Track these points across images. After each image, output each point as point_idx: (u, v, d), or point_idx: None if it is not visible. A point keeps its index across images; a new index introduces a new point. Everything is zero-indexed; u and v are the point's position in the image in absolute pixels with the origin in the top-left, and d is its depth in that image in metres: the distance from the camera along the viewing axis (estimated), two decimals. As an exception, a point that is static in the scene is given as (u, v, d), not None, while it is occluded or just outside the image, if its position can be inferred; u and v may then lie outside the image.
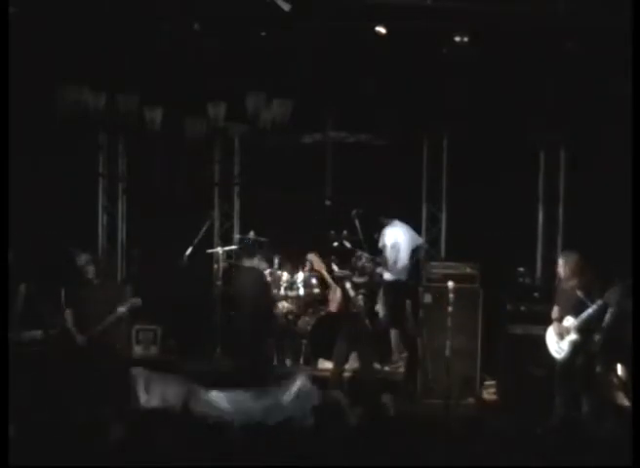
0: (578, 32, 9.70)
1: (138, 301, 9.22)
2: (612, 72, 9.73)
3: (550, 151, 11.34)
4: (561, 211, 11.34)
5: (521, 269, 10.42)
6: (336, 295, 9.65)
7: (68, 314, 9.02)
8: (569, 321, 8.55)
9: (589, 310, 8.39)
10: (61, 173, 11.23)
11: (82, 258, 9.16)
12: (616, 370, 9.04)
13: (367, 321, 9.37)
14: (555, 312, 8.76)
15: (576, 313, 8.50)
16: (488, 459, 5.82)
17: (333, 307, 9.71)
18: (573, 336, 8.52)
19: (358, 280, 9.53)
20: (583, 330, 8.47)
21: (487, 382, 10.00)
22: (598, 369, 8.80)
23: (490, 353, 9.78)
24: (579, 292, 8.47)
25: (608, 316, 8.36)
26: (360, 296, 9.41)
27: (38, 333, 9.28)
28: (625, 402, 8.74)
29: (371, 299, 9.50)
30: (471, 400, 9.54)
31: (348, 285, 9.47)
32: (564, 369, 8.58)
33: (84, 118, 10.56)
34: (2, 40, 7.33)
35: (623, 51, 8.25)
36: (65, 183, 11.27)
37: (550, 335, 8.74)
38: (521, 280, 10.35)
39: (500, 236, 10.59)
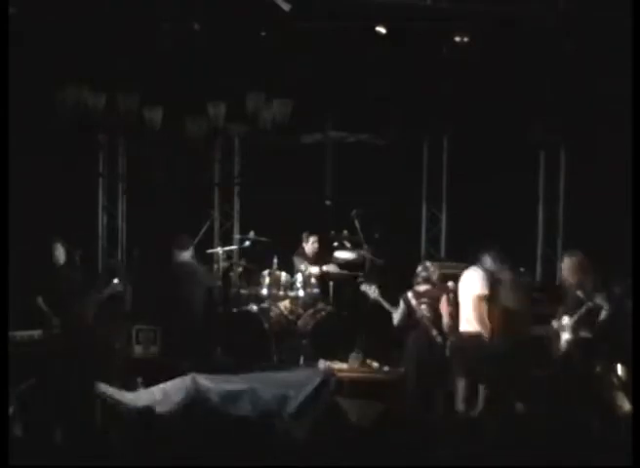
0: (578, 32, 9.71)
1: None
2: (611, 72, 9.73)
3: (550, 151, 11.35)
4: (561, 211, 11.35)
5: (521, 269, 10.41)
6: None
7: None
8: (565, 320, 8.53)
9: (582, 310, 8.37)
10: (62, 173, 11.24)
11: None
12: (615, 371, 9.02)
13: None
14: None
15: (572, 313, 8.49)
16: (488, 459, 5.82)
17: None
18: (566, 336, 8.50)
19: None
20: (575, 329, 8.45)
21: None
22: (597, 368, 8.78)
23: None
24: (578, 292, 8.45)
25: (602, 316, 8.33)
26: None
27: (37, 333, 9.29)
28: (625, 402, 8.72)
29: None
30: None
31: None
32: (560, 366, 8.56)
33: (84, 118, 10.57)
34: (2, 40, 7.33)
35: (623, 50, 8.26)
36: (66, 183, 11.27)
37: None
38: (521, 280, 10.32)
39: (500, 236, 10.58)
